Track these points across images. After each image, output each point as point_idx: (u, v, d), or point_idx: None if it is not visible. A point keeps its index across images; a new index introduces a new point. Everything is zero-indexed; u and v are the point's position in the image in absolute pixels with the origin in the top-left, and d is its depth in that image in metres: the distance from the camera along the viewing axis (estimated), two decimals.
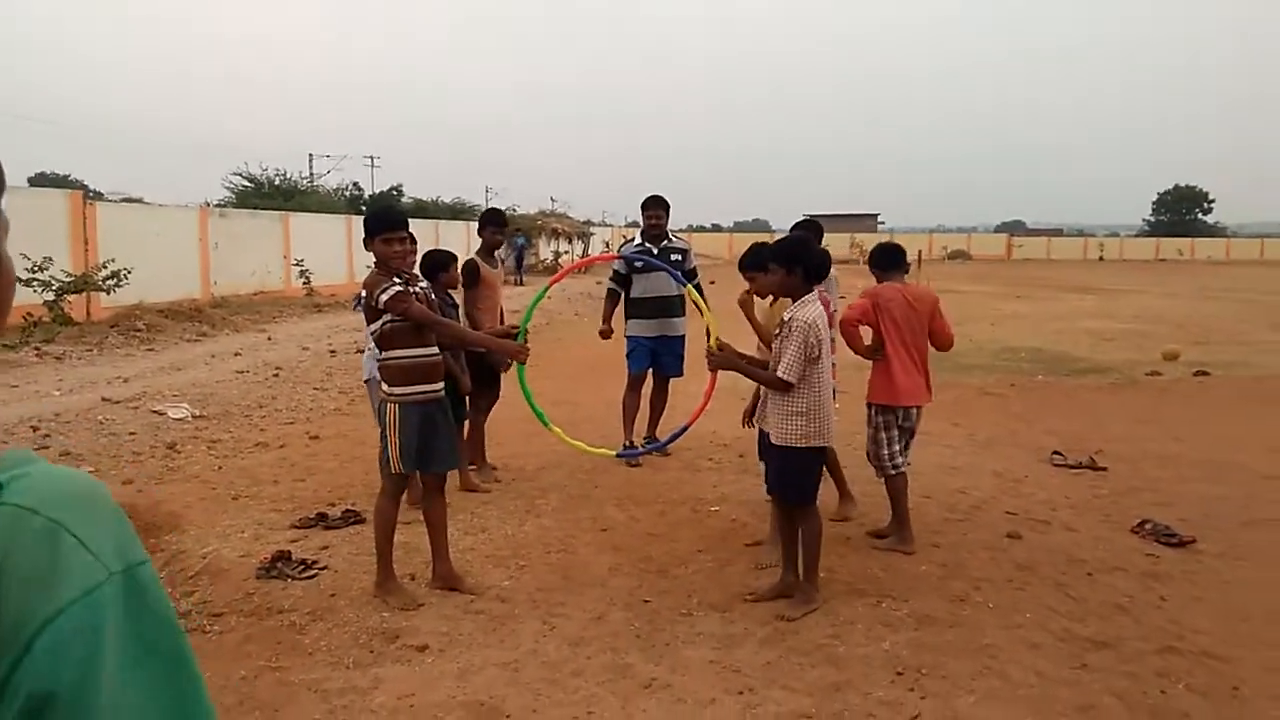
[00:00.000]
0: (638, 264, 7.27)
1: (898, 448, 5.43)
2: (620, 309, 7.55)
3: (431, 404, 4.62)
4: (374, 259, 4.66)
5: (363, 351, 6.16)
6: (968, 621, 4.33)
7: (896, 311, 5.39)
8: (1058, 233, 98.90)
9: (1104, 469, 7.20)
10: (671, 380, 7.68)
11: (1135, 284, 36.91)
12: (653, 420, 7.72)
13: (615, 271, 7.49)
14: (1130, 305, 24.91)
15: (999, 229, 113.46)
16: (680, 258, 7.36)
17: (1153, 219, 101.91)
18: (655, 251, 7.34)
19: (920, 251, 46.47)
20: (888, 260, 5.62)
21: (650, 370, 7.56)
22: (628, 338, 7.56)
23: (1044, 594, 4.68)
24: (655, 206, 7.43)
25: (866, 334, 5.50)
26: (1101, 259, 73.91)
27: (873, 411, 5.50)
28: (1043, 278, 41.24)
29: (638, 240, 7.55)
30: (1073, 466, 7.29)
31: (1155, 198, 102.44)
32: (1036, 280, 38.84)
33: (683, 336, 7.54)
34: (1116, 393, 11.07)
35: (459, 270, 6.27)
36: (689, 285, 6.22)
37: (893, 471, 5.42)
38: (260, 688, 3.68)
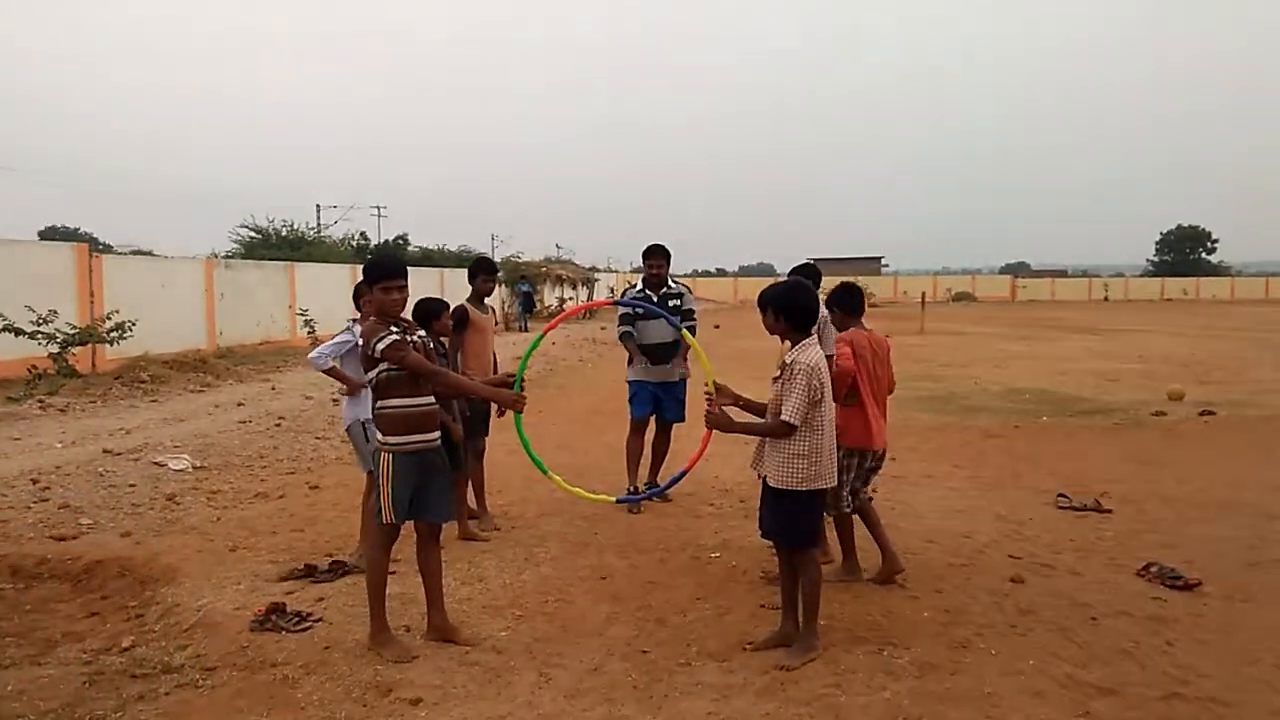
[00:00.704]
0: (639, 310, 7.32)
1: (856, 487, 5.52)
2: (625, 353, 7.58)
3: (427, 453, 4.60)
4: (373, 308, 4.67)
5: (338, 401, 6.19)
6: (970, 669, 4.26)
7: (867, 355, 5.39)
8: (1062, 274, 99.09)
9: (1109, 511, 7.13)
10: (674, 425, 7.68)
11: (1140, 324, 36.88)
12: (655, 466, 7.70)
13: (624, 314, 7.50)
14: (1135, 345, 24.85)
15: (1003, 270, 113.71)
16: (678, 301, 7.44)
17: (1157, 259, 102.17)
18: (655, 299, 7.39)
19: (924, 293, 46.63)
20: (852, 303, 5.57)
21: (653, 415, 7.57)
22: (629, 382, 7.60)
23: (1047, 640, 4.61)
24: (657, 255, 7.50)
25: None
26: (1106, 299, 73.99)
27: (842, 454, 5.38)
28: (1047, 319, 41.28)
29: (639, 286, 7.60)
30: (1077, 509, 7.23)
31: (1159, 238, 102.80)
32: (1041, 321, 38.86)
33: (684, 381, 7.54)
34: (1121, 434, 11.00)
35: (449, 317, 6.32)
36: (684, 330, 6.21)
37: (848, 509, 5.50)
38: None
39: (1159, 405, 12.85)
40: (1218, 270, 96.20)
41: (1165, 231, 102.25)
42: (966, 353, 22.74)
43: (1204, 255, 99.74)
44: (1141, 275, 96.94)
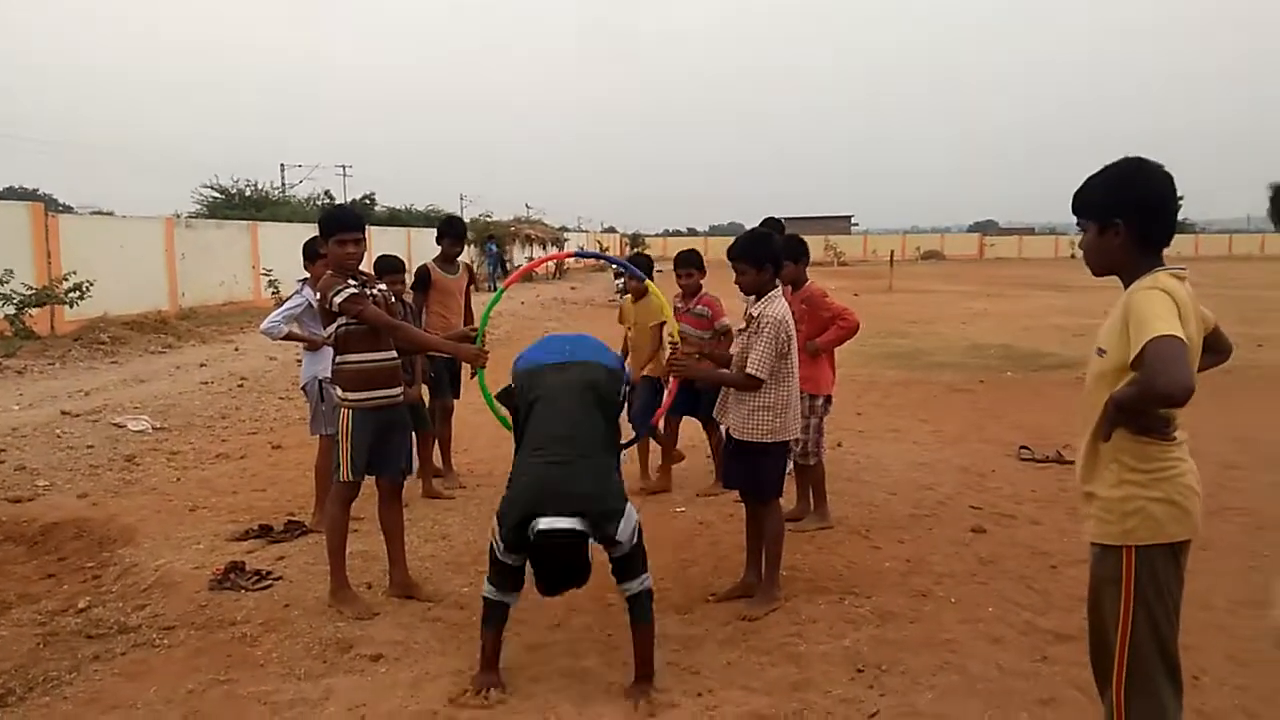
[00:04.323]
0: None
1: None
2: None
3: (387, 409, 4.54)
4: (329, 261, 4.58)
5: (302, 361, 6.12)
6: (929, 617, 4.30)
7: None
8: (1029, 232, 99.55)
9: (1071, 463, 7.17)
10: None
11: (1105, 280, 37.01)
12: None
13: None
14: (1101, 301, 25.02)
15: (972, 229, 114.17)
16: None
17: None
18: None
19: (893, 252, 46.76)
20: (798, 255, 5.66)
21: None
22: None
23: (1007, 588, 4.66)
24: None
25: None
26: (1073, 257, 74.55)
27: (820, 403, 5.60)
28: (1014, 276, 41.57)
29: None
30: (1039, 461, 7.31)
31: None
32: (1008, 279, 39.11)
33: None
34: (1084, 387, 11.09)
35: (404, 277, 6.24)
36: (647, 281, 6.02)
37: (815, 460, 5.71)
38: (207, 701, 3.60)
39: None
40: (1182, 228, 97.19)
41: None
42: (933, 310, 22.86)
43: None
44: None
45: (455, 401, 6.93)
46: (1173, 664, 2.56)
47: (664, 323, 6.33)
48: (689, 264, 6.42)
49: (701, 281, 6.44)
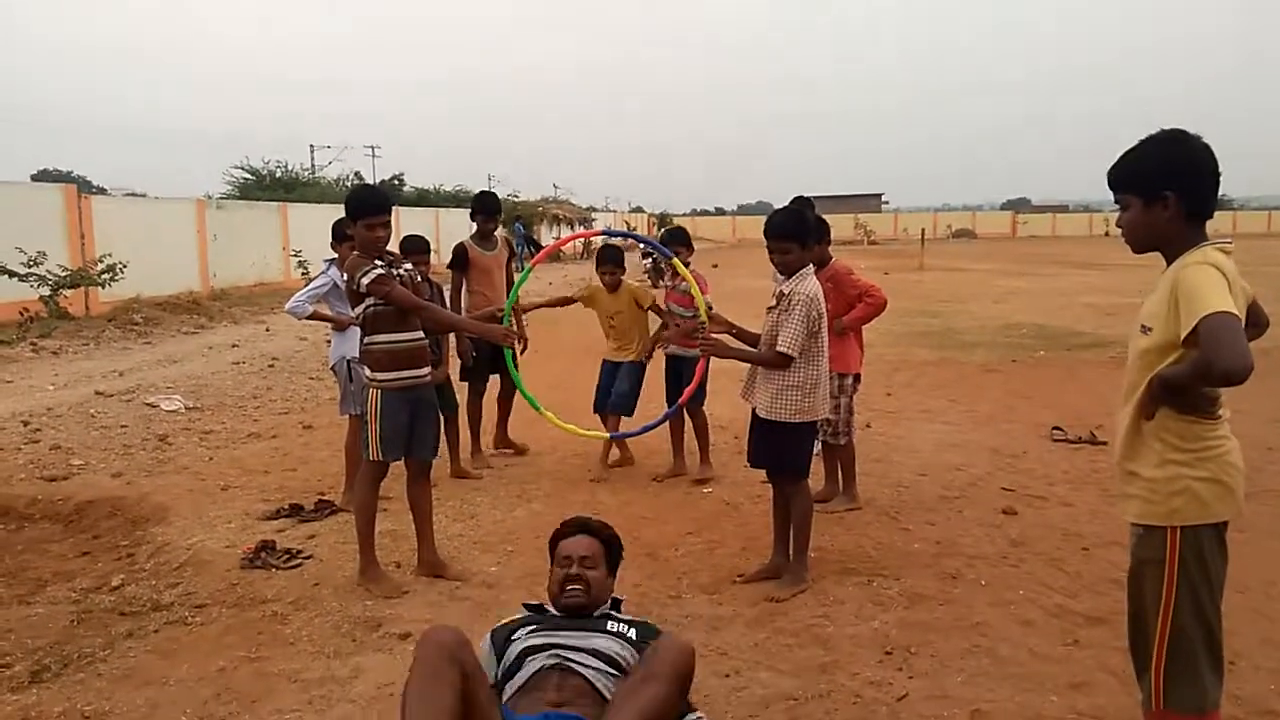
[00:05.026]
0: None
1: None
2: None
3: (416, 389, 4.55)
4: (356, 243, 4.58)
5: (329, 340, 6.17)
6: (959, 599, 4.26)
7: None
8: (1063, 209, 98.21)
9: (1104, 443, 7.10)
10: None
11: (1140, 258, 36.42)
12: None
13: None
14: (1135, 279, 24.68)
15: (1005, 206, 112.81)
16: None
17: None
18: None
19: (924, 230, 46.33)
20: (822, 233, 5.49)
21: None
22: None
23: (1038, 570, 4.61)
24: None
25: None
26: (1107, 234, 73.49)
27: (849, 381, 5.54)
28: (1047, 254, 41.05)
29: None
30: (1072, 441, 7.21)
31: None
32: (1040, 257, 38.65)
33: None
34: (1118, 367, 10.88)
35: (430, 257, 6.24)
36: (674, 258, 5.97)
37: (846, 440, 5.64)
38: (238, 679, 3.63)
39: None
40: (1221, 204, 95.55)
41: None
42: (965, 289, 22.64)
43: None
44: None
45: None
46: (1215, 646, 2.52)
47: (653, 305, 6.40)
48: (677, 241, 6.46)
49: (689, 259, 6.34)
